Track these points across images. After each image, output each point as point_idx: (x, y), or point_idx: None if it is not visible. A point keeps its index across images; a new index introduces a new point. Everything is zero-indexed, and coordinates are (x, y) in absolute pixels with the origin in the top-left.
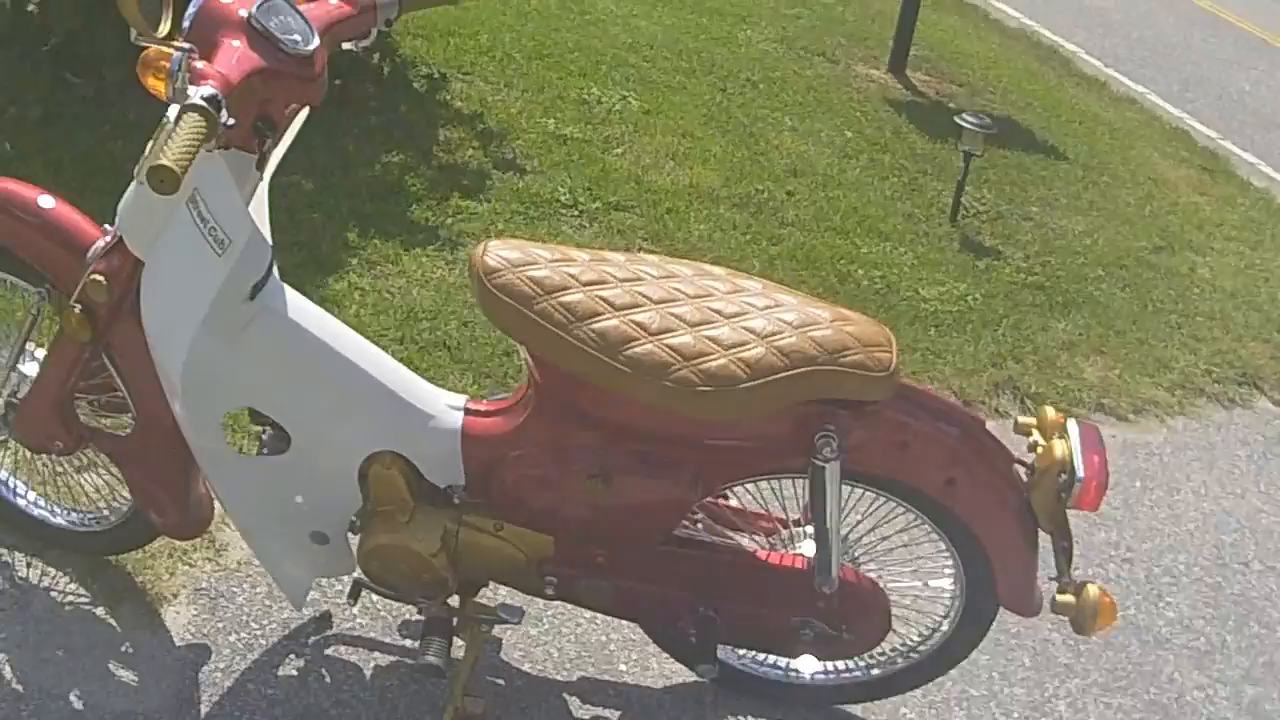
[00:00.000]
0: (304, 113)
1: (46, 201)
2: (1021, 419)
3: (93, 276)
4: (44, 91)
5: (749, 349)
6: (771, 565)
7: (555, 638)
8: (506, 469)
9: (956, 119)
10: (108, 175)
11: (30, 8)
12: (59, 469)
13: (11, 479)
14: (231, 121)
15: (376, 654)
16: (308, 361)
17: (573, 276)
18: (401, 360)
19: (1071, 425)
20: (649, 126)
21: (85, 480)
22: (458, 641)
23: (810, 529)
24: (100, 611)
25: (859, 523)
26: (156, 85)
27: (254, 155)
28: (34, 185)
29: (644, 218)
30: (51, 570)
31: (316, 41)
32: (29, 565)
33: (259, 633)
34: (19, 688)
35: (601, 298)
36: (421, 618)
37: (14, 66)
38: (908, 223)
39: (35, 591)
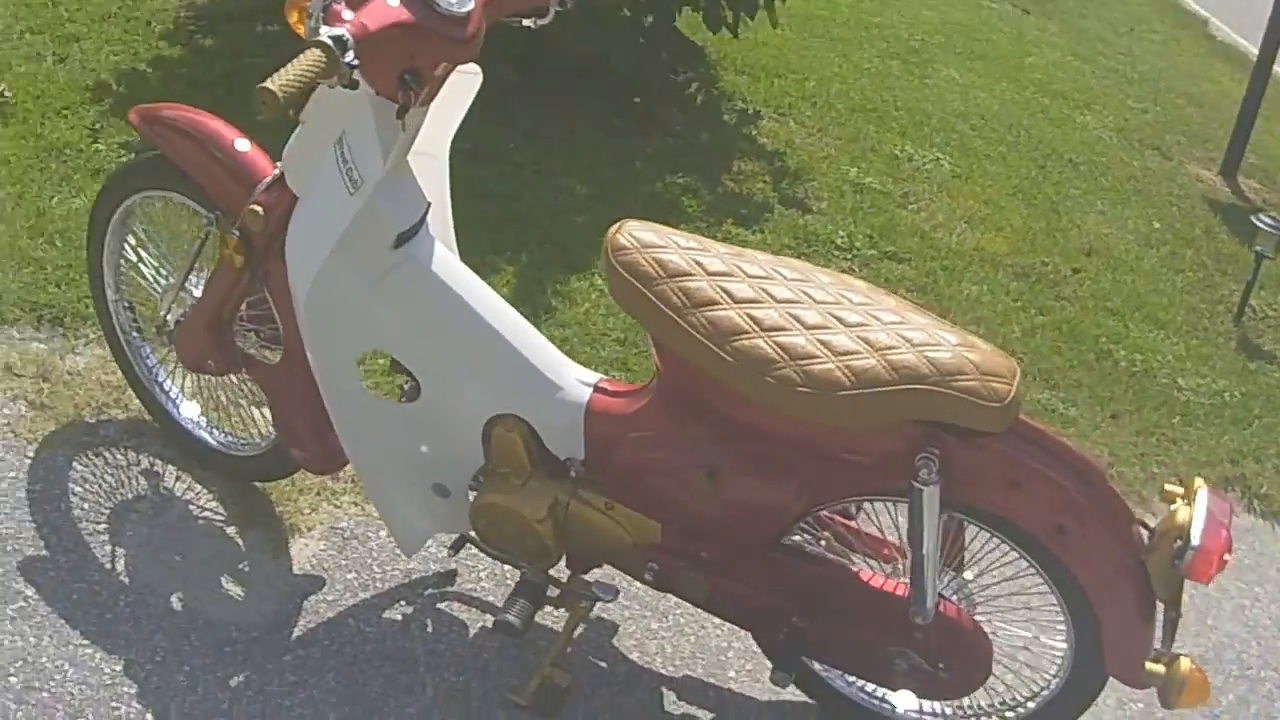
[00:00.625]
0: (474, 85)
1: (242, 144)
2: (1168, 486)
3: (251, 207)
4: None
5: (858, 358)
6: (872, 588)
7: (675, 635)
8: (624, 450)
9: (1252, 218)
10: None
11: None
12: (221, 393)
13: (180, 395)
14: (356, 62)
15: (487, 616)
16: (444, 316)
17: (700, 264)
18: (614, 361)
19: (1202, 492)
20: (953, 189)
21: (243, 407)
22: (554, 614)
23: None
24: (231, 530)
25: (975, 564)
26: (298, 24)
27: (395, 104)
28: (236, 128)
29: (916, 270)
30: (197, 487)
31: (471, 4)
32: (178, 478)
33: (379, 576)
34: (126, 580)
35: (723, 288)
36: None
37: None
38: (1189, 316)
39: (175, 502)
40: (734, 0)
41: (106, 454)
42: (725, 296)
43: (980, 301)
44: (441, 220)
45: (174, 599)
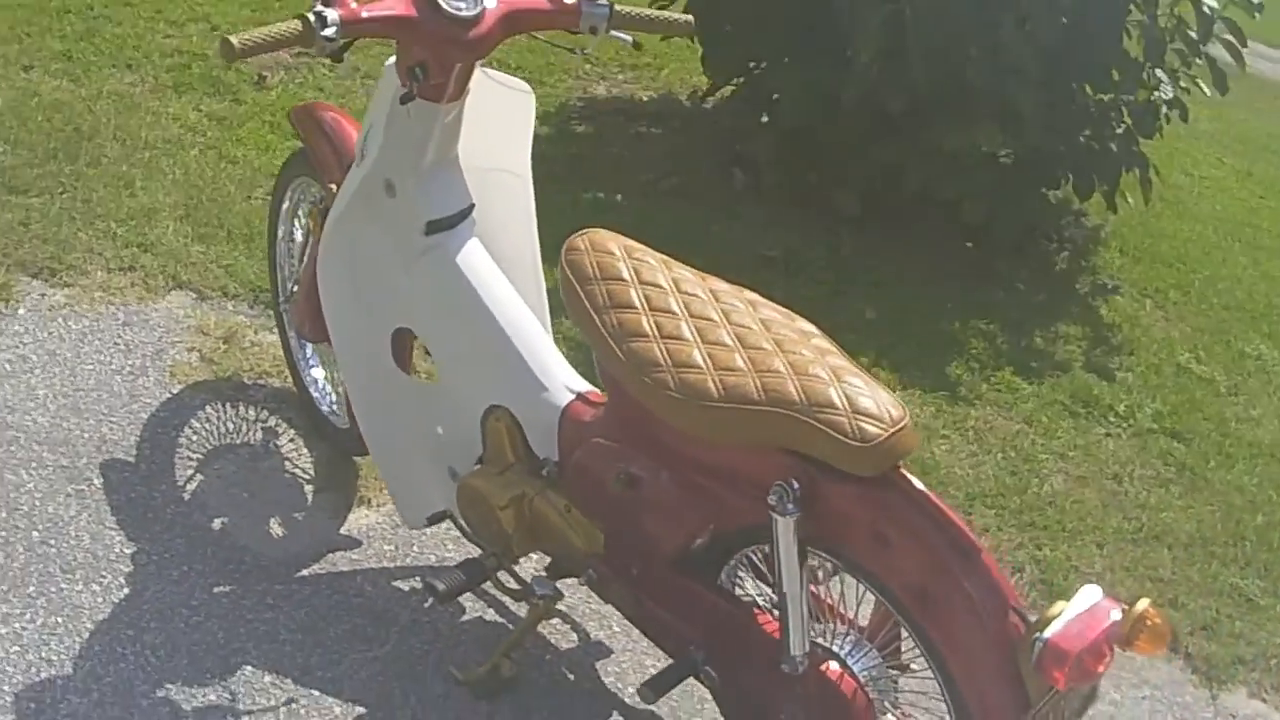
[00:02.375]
0: (529, 104)
1: None
2: None
3: (329, 184)
4: (701, 177)
5: (736, 374)
6: (768, 634)
7: (652, 655)
8: (579, 455)
9: None
10: (683, 241)
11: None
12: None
13: (314, 356)
14: (332, 36)
15: (489, 609)
16: (460, 305)
17: (638, 273)
18: None
19: (1087, 589)
20: None
21: None
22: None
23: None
24: (308, 489)
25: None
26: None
27: (403, 89)
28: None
29: (1188, 449)
30: (303, 451)
31: (477, 9)
32: (290, 440)
33: (413, 554)
34: (185, 496)
35: (646, 296)
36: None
37: (688, 152)
38: None
39: (274, 456)
40: (1098, 166)
41: (241, 408)
42: (643, 303)
43: (1239, 488)
44: (524, 235)
45: (217, 521)
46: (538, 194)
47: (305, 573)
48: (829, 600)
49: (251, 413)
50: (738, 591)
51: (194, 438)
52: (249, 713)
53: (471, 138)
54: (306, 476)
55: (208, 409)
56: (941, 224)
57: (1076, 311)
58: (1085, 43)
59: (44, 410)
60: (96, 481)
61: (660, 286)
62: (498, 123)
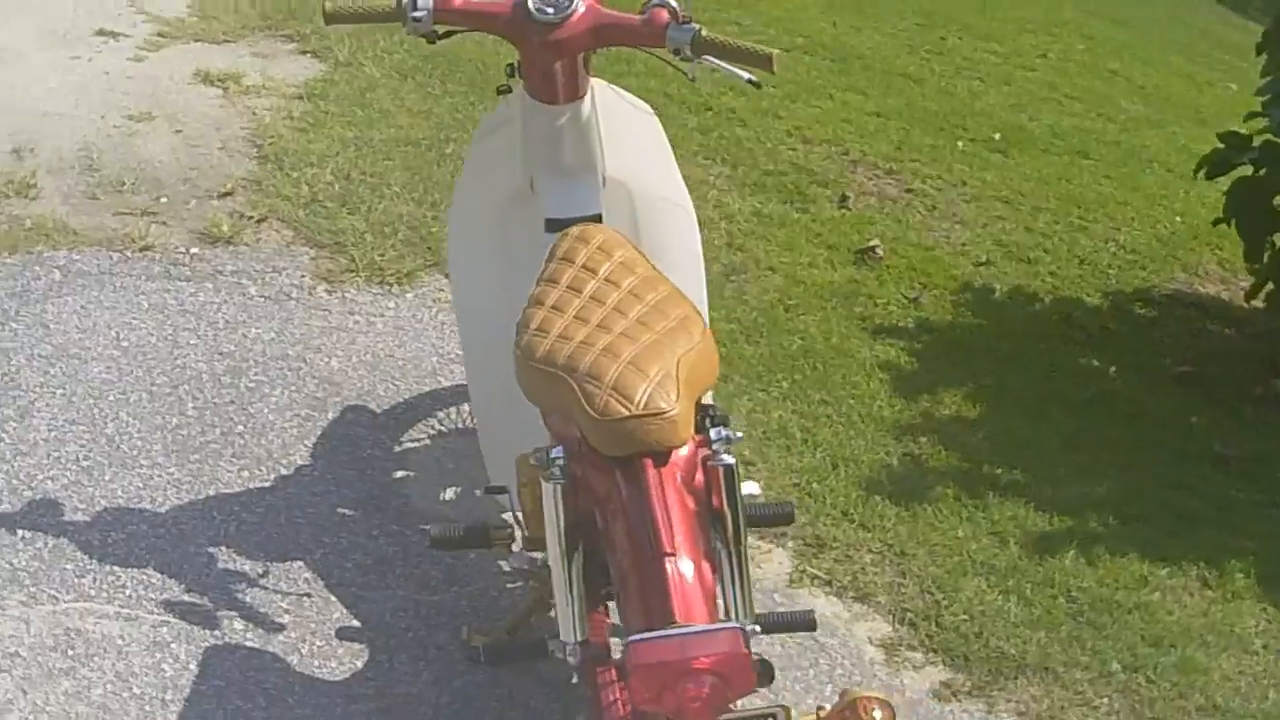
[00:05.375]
0: (655, 124)
1: None
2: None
3: None
4: (1226, 373)
5: (563, 343)
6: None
7: None
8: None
9: None
10: (1144, 423)
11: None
12: None
13: None
14: (420, 16)
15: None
16: None
17: (587, 261)
18: None
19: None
20: None
21: None
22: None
23: None
24: None
25: None
26: None
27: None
28: None
29: None
30: None
31: (562, 15)
32: None
33: None
34: (395, 449)
35: (575, 277)
36: None
37: (1232, 350)
38: None
39: None
40: None
41: None
42: (568, 281)
43: None
44: (691, 272)
45: (402, 472)
46: (1043, 343)
47: (429, 527)
48: None
49: None
50: None
51: (453, 416)
52: (264, 589)
53: (621, 154)
54: None
55: None
56: None
57: None
58: None
59: (342, 359)
60: (330, 414)
61: (593, 272)
62: (641, 141)
